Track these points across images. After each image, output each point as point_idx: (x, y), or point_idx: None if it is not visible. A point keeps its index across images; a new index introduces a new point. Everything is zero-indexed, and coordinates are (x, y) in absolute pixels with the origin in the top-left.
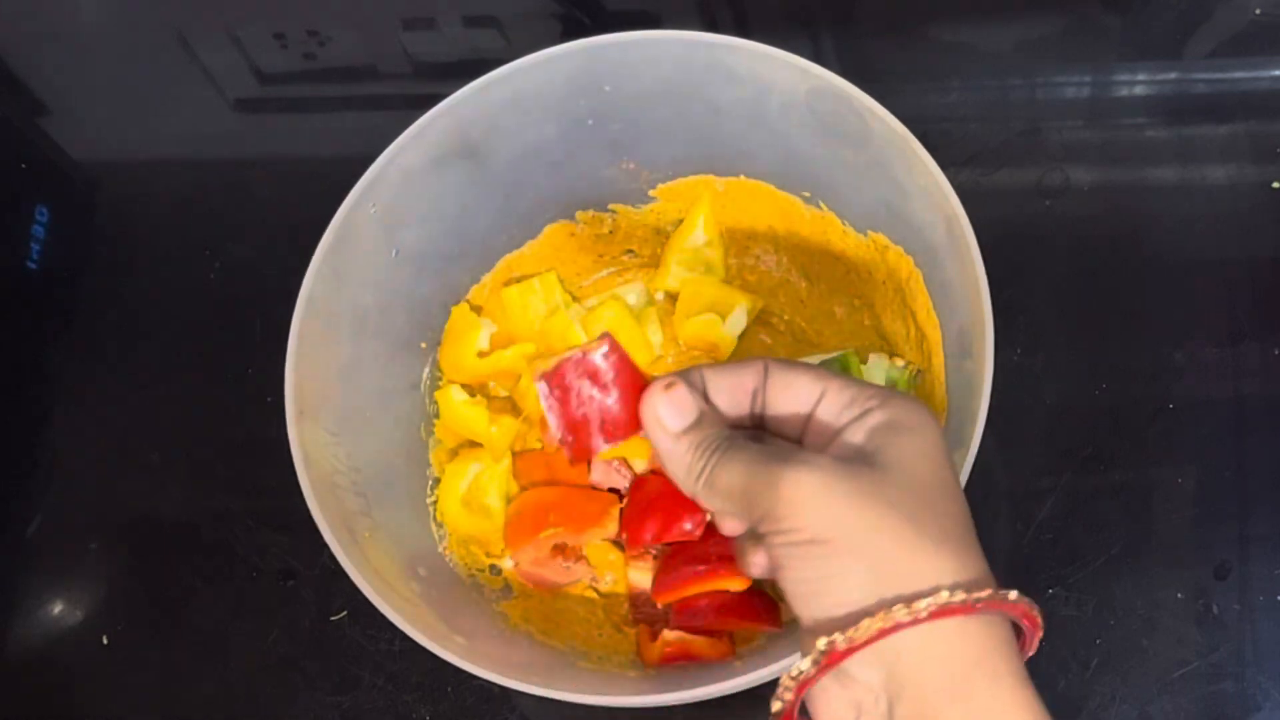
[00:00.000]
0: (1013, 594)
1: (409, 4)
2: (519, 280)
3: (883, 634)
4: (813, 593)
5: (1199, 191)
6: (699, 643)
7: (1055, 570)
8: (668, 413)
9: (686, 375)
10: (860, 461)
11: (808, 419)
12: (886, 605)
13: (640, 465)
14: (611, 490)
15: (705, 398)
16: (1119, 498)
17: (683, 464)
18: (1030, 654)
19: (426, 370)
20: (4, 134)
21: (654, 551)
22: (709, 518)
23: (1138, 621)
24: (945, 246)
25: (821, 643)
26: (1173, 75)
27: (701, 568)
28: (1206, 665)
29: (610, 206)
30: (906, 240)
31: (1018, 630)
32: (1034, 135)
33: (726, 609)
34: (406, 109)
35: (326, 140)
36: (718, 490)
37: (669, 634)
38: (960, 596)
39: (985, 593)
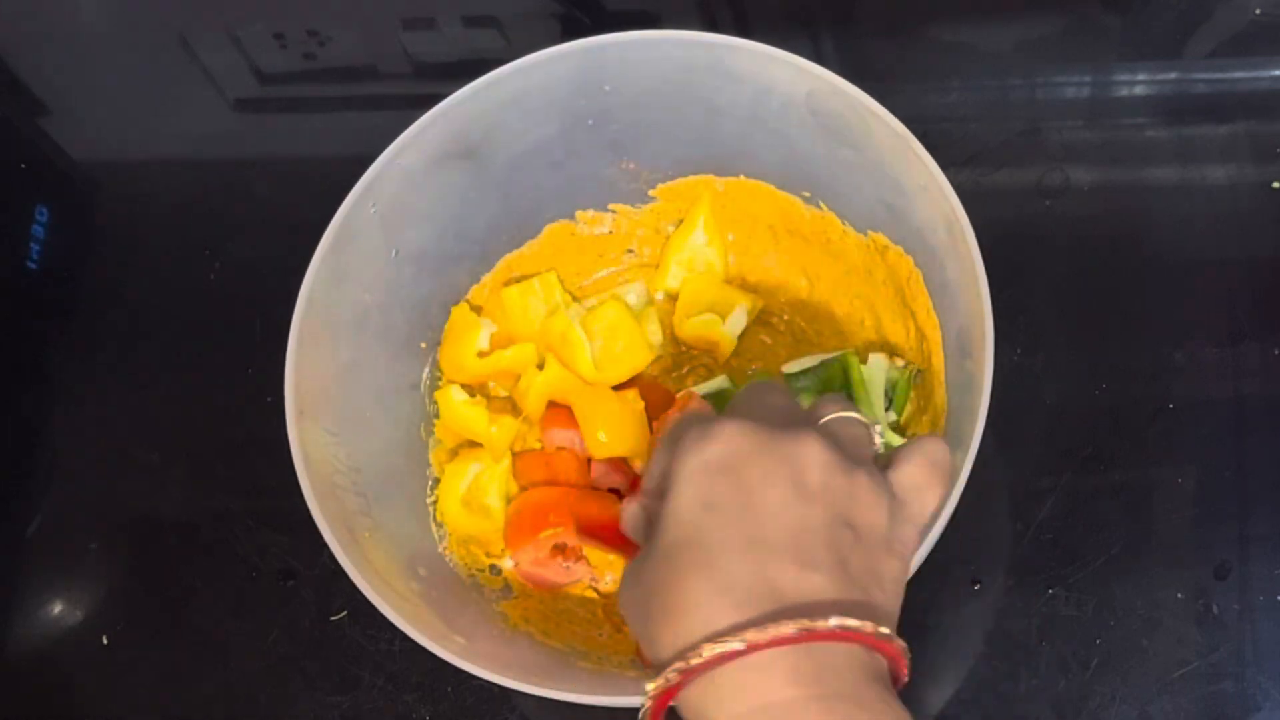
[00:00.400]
0: (701, 654)
1: (409, 4)
2: (519, 280)
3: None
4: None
5: (1199, 191)
6: None
7: (1055, 570)
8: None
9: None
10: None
11: None
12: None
13: (640, 465)
14: (611, 490)
15: None
16: (1119, 498)
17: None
18: (902, 680)
19: (426, 370)
20: (4, 134)
21: None
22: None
23: (1138, 621)
24: (945, 246)
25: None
26: (1173, 75)
27: None
28: (1206, 665)
29: (610, 206)
30: (906, 240)
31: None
32: (1034, 135)
33: None
34: (406, 109)
35: (326, 140)
36: None
37: None
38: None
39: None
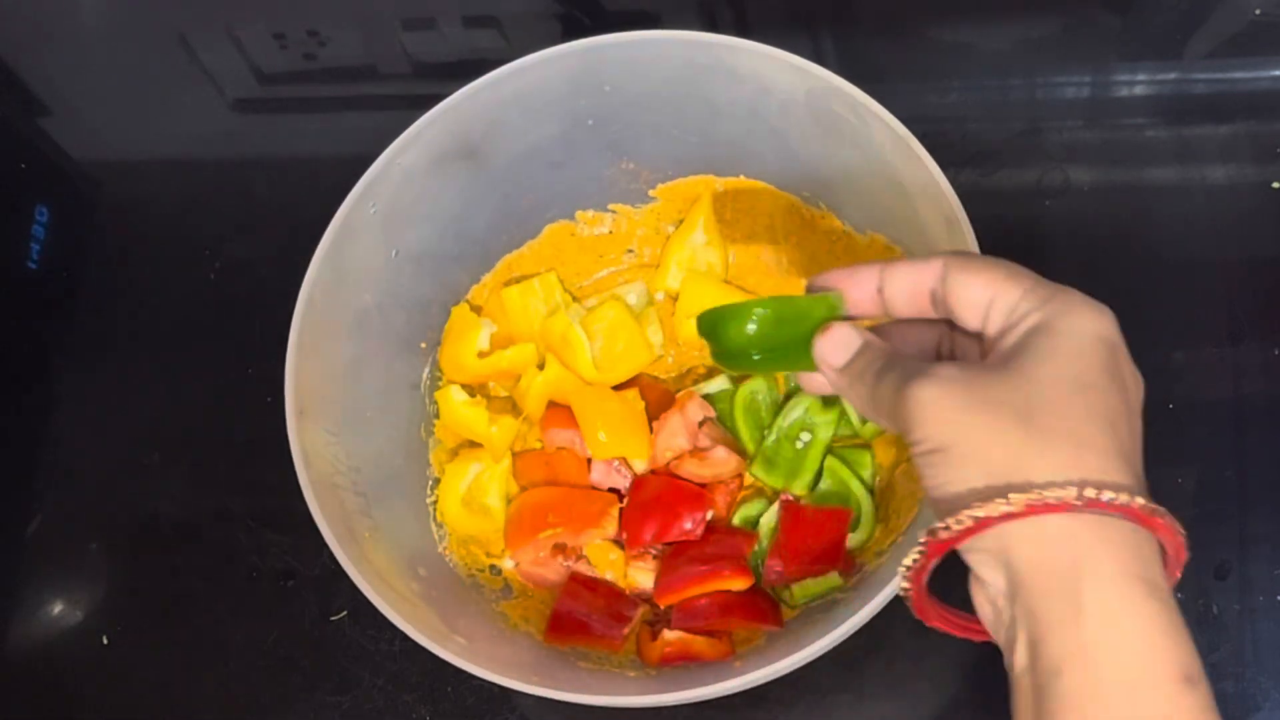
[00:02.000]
0: (1138, 500)
1: (409, 4)
2: (519, 280)
3: (981, 525)
4: (942, 487)
5: (1199, 191)
6: (699, 643)
7: None
8: (826, 352)
9: (857, 274)
10: (997, 367)
11: (985, 319)
12: (987, 498)
13: (640, 465)
14: (611, 490)
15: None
16: None
17: (849, 395)
18: (1176, 576)
19: (426, 370)
20: (4, 134)
21: (654, 551)
22: (709, 517)
23: None
24: (945, 246)
25: (922, 535)
26: (1173, 75)
27: (703, 568)
28: (1207, 666)
29: (610, 206)
30: (906, 240)
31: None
32: (1034, 135)
33: (728, 609)
34: (406, 109)
35: (326, 140)
36: (882, 413)
37: (669, 634)
38: (1056, 493)
39: (1095, 492)
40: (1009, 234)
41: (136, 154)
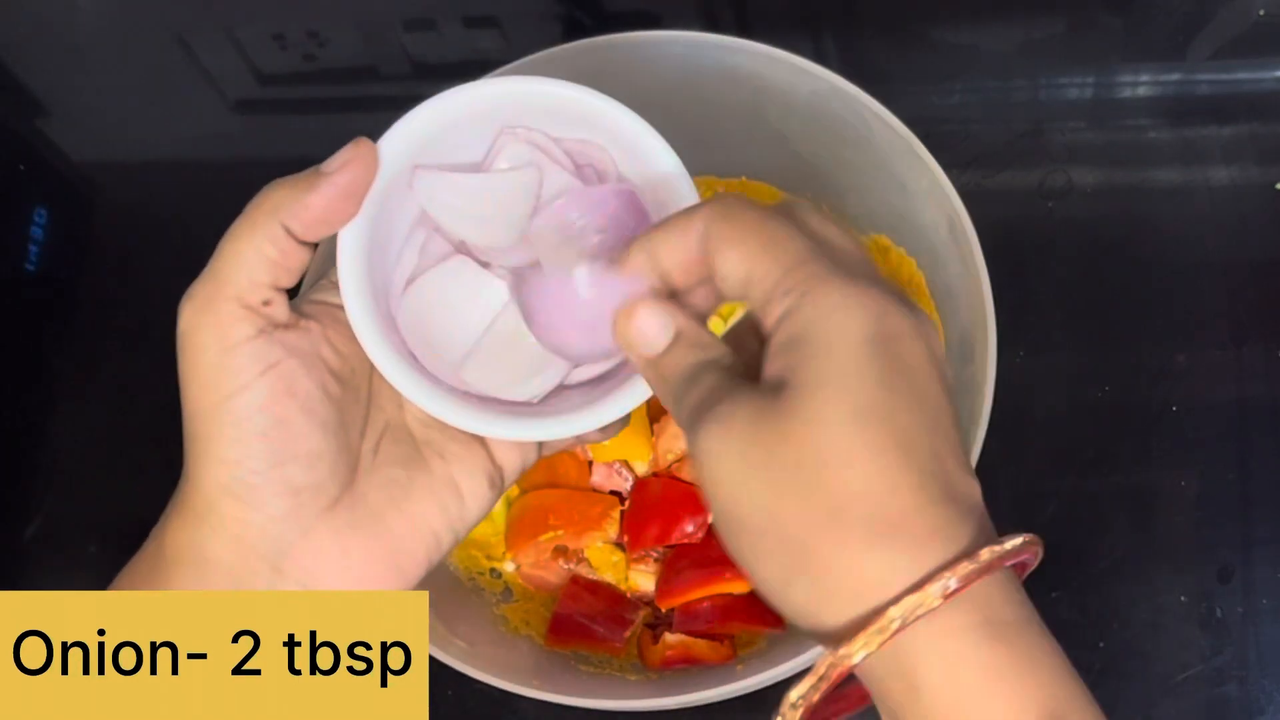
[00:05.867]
0: (961, 569)
1: (409, 4)
2: None
3: (842, 673)
4: (749, 571)
5: (1202, 193)
6: (701, 646)
7: (1058, 574)
8: (632, 336)
9: (641, 250)
10: (772, 406)
11: (748, 301)
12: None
13: (642, 468)
14: (613, 493)
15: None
16: (1122, 501)
17: (659, 393)
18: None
19: None
20: (2, 135)
21: (656, 554)
22: (710, 519)
23: (1141, 625)
24: (948, 248)
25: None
26: (1176, 76)
27: (705, 572)
28: (1210, 669)
29: None
30: (909, 242)
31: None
32: (1036, 137)
33: (729, 612)
34: (406, 109)
35: (326, 141)
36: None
37: (670, 637)
38: (871, 641)
39: (916, 602)
40: (1011, 235)
41: (136, 155)
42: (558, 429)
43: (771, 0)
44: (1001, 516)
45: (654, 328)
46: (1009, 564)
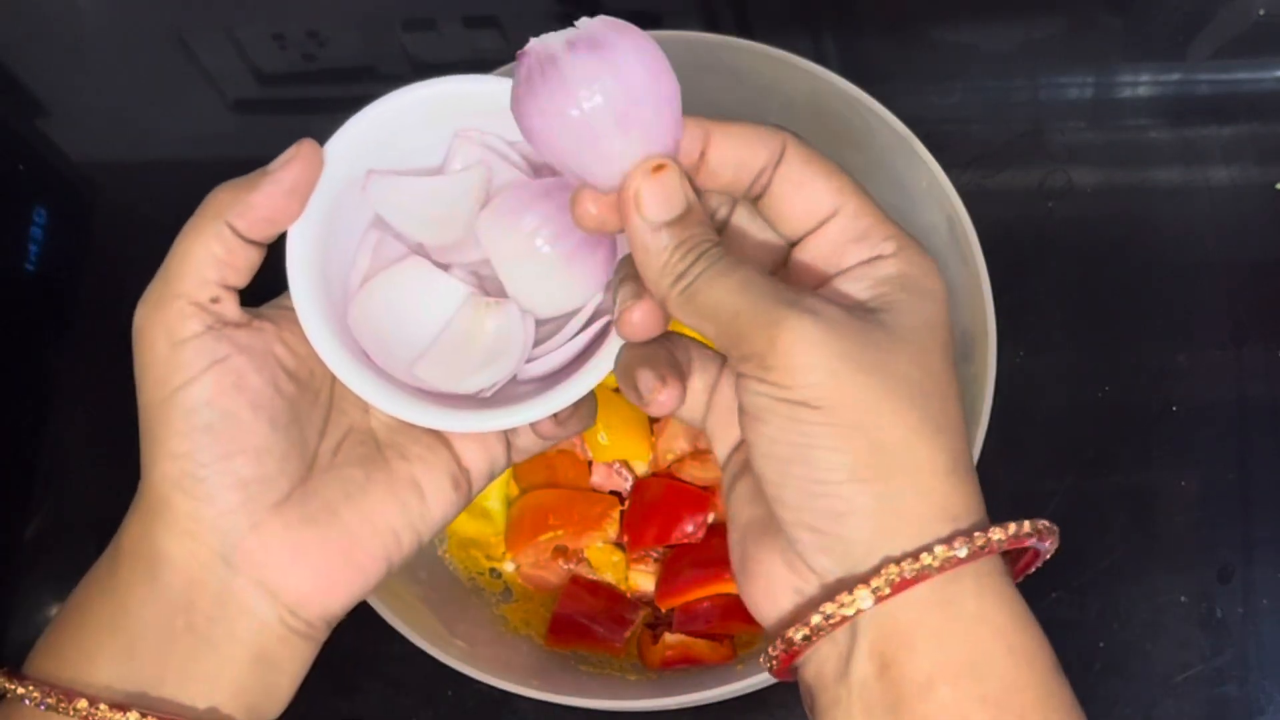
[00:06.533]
0: (1009, 529)
1: (409, 4)
2: None
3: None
4: (787, 459)
5: (1202, 193)
6: (700, 646)
7: (1058, 573)
8: (652, 199)
9: (699, 126)
10: (873, 326)
11: (809, 232)
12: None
13: (641, 468)
14: (613, 493)
15: (701, 157)
16: (1122, 501)
17: (658, 261)
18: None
19: None
20: (2, 135)
21: (656, 554)
22: (710, 520)
23: (1141, 625)
24: (948, 248)
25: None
26: (1176, 76)
27: (705, 571)
28: (1210, 669)
29: None
30: None
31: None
32: (1036, 137)
33: (729, 612)
34: None
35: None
36: (698, 306)
37: (670, 637)
38: (944, 553)
39: (981, 539)
40: (1011, 236)
41: (135, 155)
42: (507, 419)
43: (771, 0)
44: (1002, 516)
45: (678, 191)
46: (1026, 544)
